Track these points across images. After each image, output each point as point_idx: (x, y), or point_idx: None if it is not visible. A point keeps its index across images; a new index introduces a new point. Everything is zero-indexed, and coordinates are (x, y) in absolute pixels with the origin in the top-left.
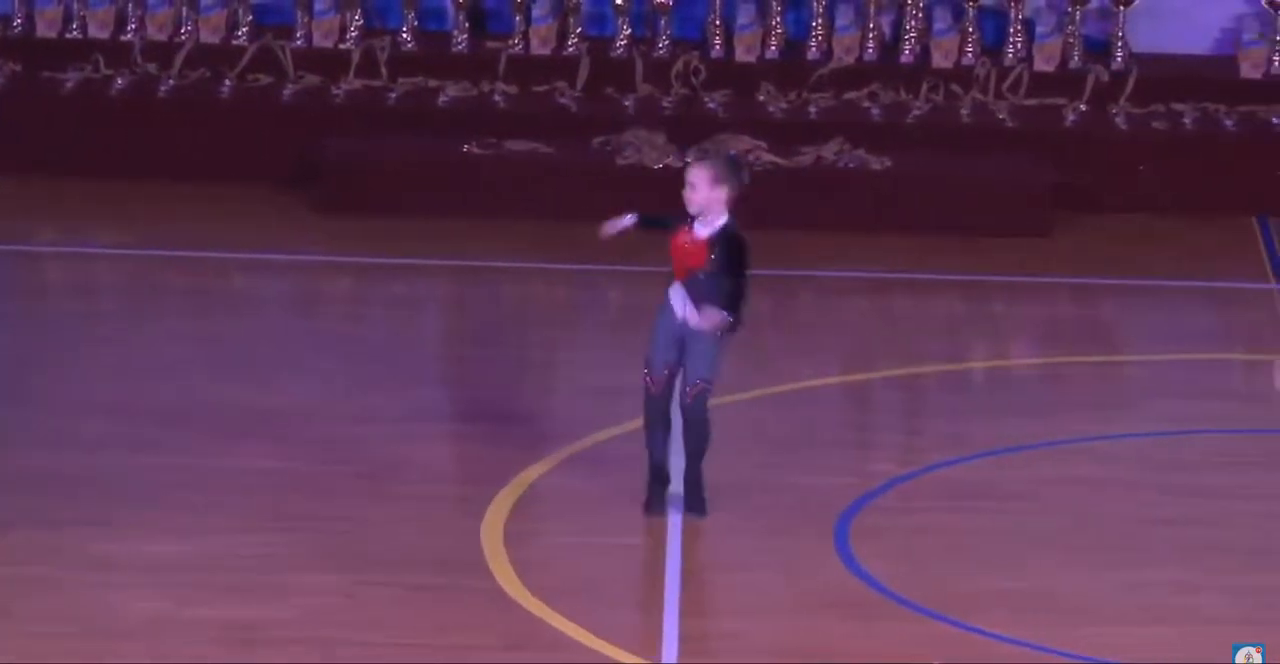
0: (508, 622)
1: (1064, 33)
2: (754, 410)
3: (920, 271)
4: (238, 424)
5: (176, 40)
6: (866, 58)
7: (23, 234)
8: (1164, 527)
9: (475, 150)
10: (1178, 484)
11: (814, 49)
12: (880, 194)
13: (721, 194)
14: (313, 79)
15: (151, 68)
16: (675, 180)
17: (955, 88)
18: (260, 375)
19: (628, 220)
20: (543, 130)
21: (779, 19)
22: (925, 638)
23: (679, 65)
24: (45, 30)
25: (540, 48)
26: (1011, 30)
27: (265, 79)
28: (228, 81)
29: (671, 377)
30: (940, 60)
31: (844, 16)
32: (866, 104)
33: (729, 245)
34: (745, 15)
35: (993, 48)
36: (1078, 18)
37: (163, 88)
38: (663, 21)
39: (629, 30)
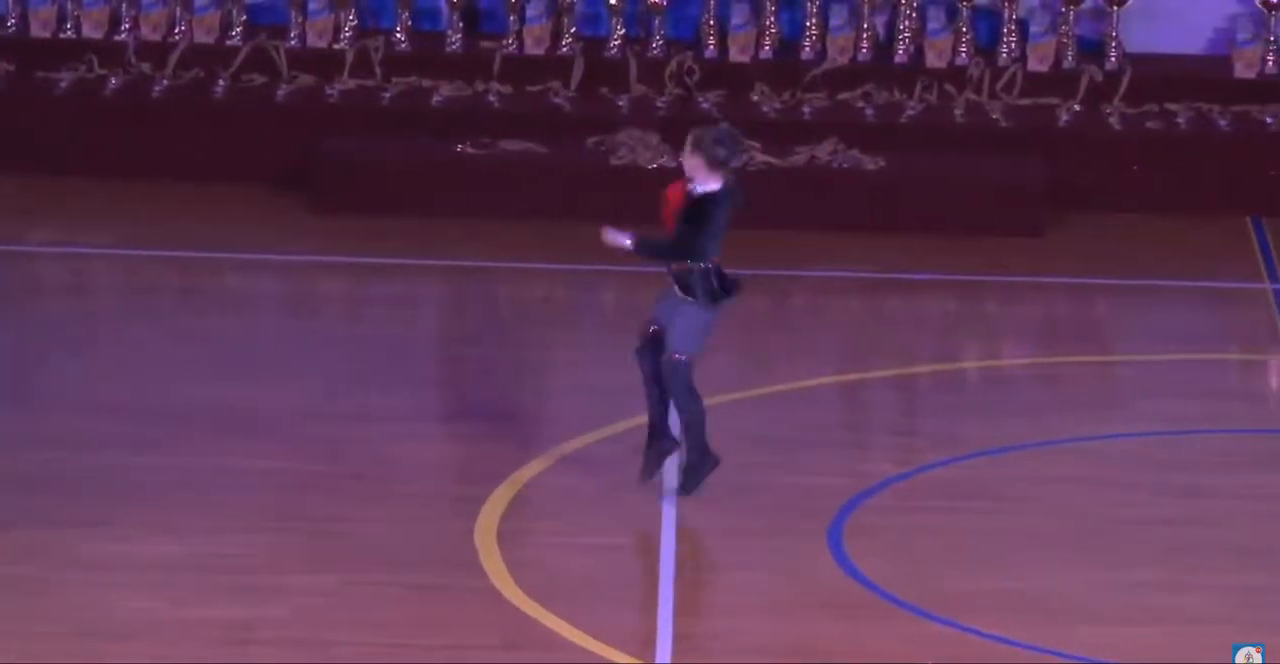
0: (503, 621)
1: (1058, 33)
2: (749, 410)
3: (914, 271)
4: (234, 424)
5: (170, 40)
6: (860, 58)
7: (17, 234)
8: (1158, 527)
9: (469, 150)
10: (1172, 484)
11: (808, 49)
12: (874, 194)
13: (698, 161)
14: (307, 79)
15: (146, 68)
16: (669, 181)
17: (949, 88)
18: (254, 376)
19: (626, 242)
20: (537, 130)
21: (773, 19)
22: (919, 638)
23: (673, 65)
24: (39, 30)
25: (534, 48)
26: (1005, 30)
27: (259, 79)
28: (222, 81)
29: (654, 337)
30: (934, 60)
31: (838, 17)
32: (860, 104)
33: (690, 202)
34: (739, 15)
35: (987, 48)
36: (1071, 18)
37: (157, 88)
38: (657, 21)
39: (623, 30)
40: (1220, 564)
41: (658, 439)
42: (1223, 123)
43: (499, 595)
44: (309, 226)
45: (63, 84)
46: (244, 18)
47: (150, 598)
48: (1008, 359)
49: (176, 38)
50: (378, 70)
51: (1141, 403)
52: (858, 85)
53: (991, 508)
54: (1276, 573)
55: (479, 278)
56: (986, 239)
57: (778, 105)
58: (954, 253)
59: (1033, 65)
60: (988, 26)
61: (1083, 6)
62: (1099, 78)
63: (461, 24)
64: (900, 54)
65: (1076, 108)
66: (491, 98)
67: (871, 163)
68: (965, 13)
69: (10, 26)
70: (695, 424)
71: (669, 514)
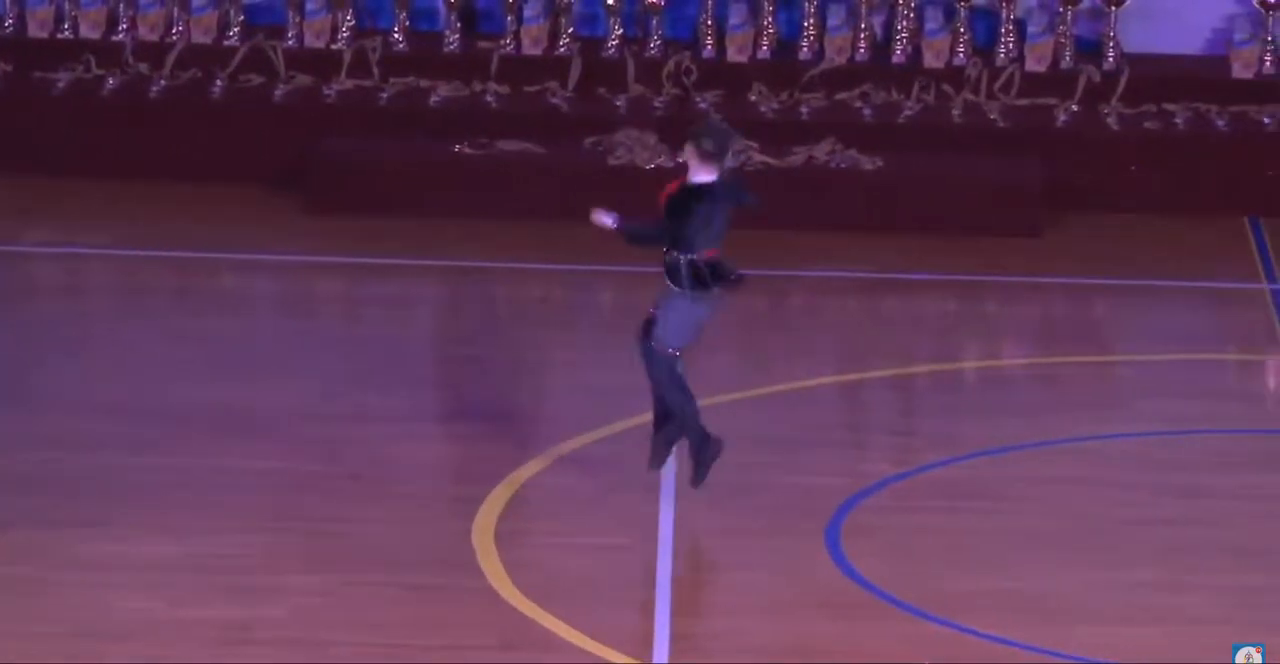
0: (500, 621)
1: (1055, 33)
2: (748, 410)
3: (913, 272)
4: (231, 424)
5: (168, 40)
6: (858, 58)
7: (15, 234)
8: (1157, 527)
9: (467, 150)
10: (1171, 484)
11: (806, 49)
12: (872, 194)
13: (690, 152)
14: (304, 79)
15: (143, 68)
16: (666, 181)
17: (947, 88)
18: (252, 376)
19: (610, 222)
20: (534, 130)
21: (770, 19)
22: (917, 638)
23: (670, 65)
24: (37, 30)
25: (532, 48)
26: (1003, 30)
27: (257, 79)
28: (219, 82)
29: (648, 321)
30: (932, 60)
31: (836, 17)
32: (858, 104)
33: (679, 191)
34: (737, 15)
35: (984, 48)
36: (1069, 18)
37: (154, 88)
38: (654, 21)
39: (620, 30)
40: (1219, 564)
41: (663, 425)
42: (1220, 123)
43: (496, 596)
44: (306, 227)
45: (60, 84)
46: (241, 18)
47: (148, 598)
48: (1006, 359)
49: (174, 38)
50: (375, 70)
51: (1140, 403)
52: (855, 85)
53: (990, 508)
54: (1275, 573)
55: (476, 278)
56: (984, 239)
57: (775, 105)
58: (952, 253)
59: (1030, 65)
60: (985, 27)
61: (1080, 7)
62: (1097, 78)
63: (459, 24)
64: (898, 54)
65: (1074, 108)
66: (489, 98)
67: (869, 163)
68: (963, 13)
69: (8, 26)
70: (688, 418)
71: (667, 514)
